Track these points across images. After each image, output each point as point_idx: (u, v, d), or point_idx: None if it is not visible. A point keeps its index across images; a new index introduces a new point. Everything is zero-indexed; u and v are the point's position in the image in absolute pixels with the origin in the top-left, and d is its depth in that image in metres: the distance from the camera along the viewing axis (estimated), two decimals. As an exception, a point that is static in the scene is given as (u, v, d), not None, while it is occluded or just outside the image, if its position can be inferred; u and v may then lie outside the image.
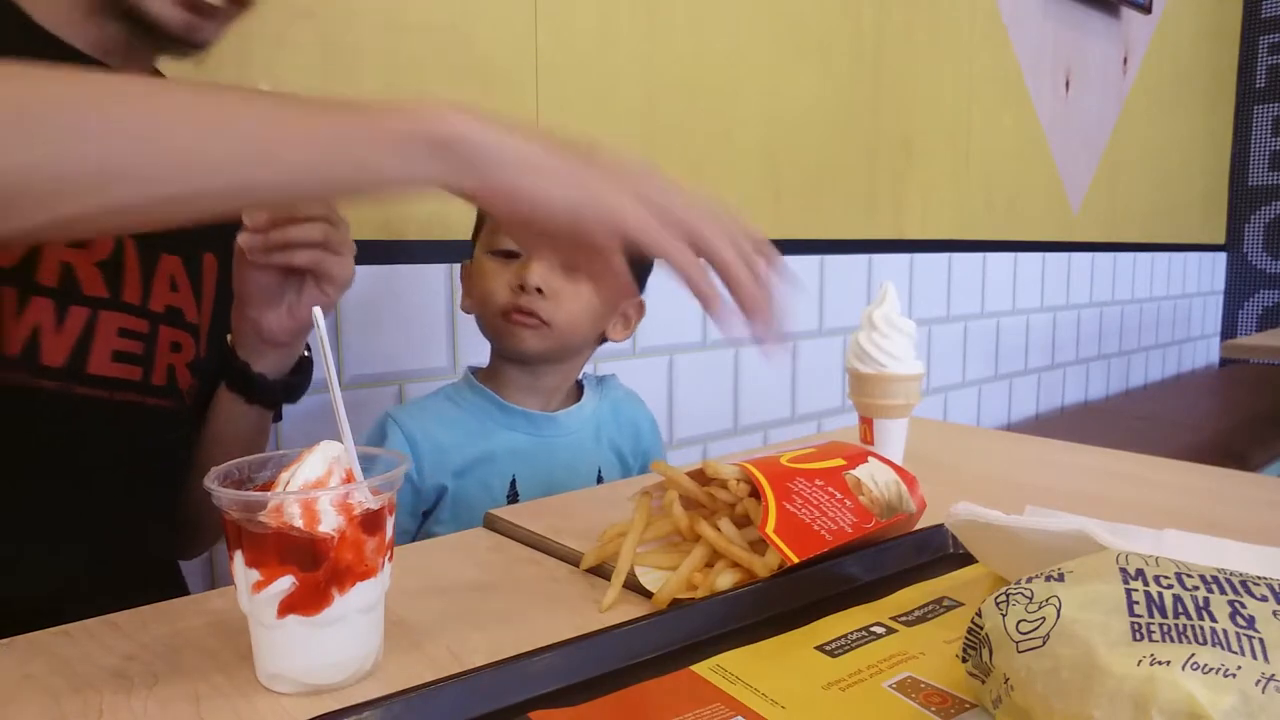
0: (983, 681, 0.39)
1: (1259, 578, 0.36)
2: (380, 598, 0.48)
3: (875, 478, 0.63)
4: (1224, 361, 3.59)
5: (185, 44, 0.74)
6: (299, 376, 0.83)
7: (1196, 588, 0.35)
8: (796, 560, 0.52)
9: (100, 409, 0.71)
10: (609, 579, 0.60)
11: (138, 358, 0.74)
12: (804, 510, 0.56)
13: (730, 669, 0.45)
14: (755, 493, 0.58)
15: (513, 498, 0.95)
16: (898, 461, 0.89)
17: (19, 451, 0.68)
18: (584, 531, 0.69)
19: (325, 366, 0.49)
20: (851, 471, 0.62)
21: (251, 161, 0.48)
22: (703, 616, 0.50)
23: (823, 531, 0.55)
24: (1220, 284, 3.66)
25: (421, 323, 1.25)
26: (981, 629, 0.39)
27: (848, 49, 1.89)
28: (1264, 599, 0.34)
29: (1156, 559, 0.38)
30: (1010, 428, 2.45)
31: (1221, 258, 3.63)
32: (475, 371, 1.02)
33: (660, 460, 0.61)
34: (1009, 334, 2.48)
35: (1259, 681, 0.30)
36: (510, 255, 0.94)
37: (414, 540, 0.92)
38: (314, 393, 0.93)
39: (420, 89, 1.23)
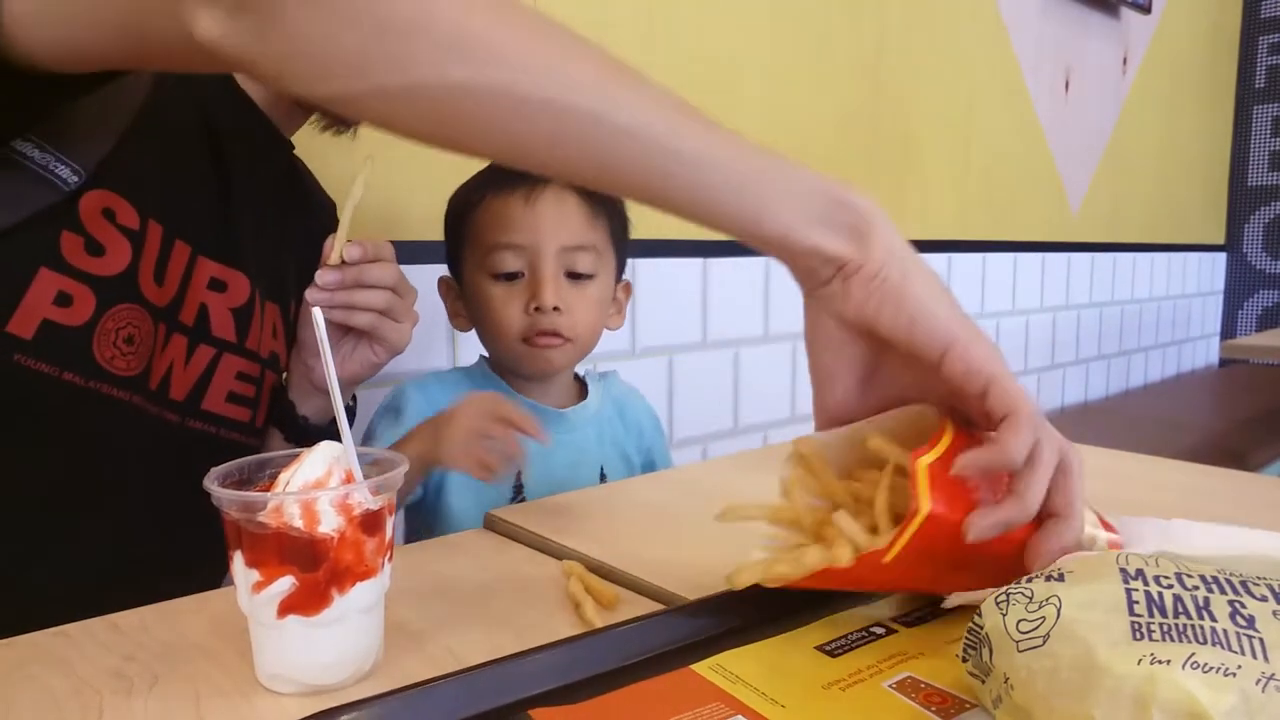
0: (983, 681, 0.39)
1: (1259, 578, 0.36)
2: (380, 598, 0.48)
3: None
4: (1224, 361, 3.59)
5: (340, 121, 0.84)
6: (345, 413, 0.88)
7: (1196, 588, 0.35)
8: (926, 508, 0.42)
9: (208, 445, 0.75)
10: (611, 579, 0.60)
11: (249, 400, 0.78)
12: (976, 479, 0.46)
13: (730, 668, 0.45)
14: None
15: (517, 489, 0.95)
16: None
17: (134, 473, 0.71)
18: (584, 532, 0.69)
19: (325, 367, 0.49)
20: None
21: (672, 154, 0.46)
22: (703, 615, 0.50)
23: (980, 497, 0.45)
24: (1220, 284, 3.66)
25: (421, 323, 1.25)
26: (981, 628, 0.39)
27: (848, 49, 1.89)
28: (1264, 599, 0.34)
29: (1156, 559, 0.38)
30: (1010, 428, 2.45)
31: (1221, 258, 3.63)
32: (486, 362, 1.02)
33: (804, 437, 0.52)
34: (1009, 334, 2.48)
35: (1259, 681, 0.30)
36: (512, 276, 0.92)
37: (421, 501, 0.92)
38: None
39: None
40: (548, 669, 0.44)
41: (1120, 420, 2.54)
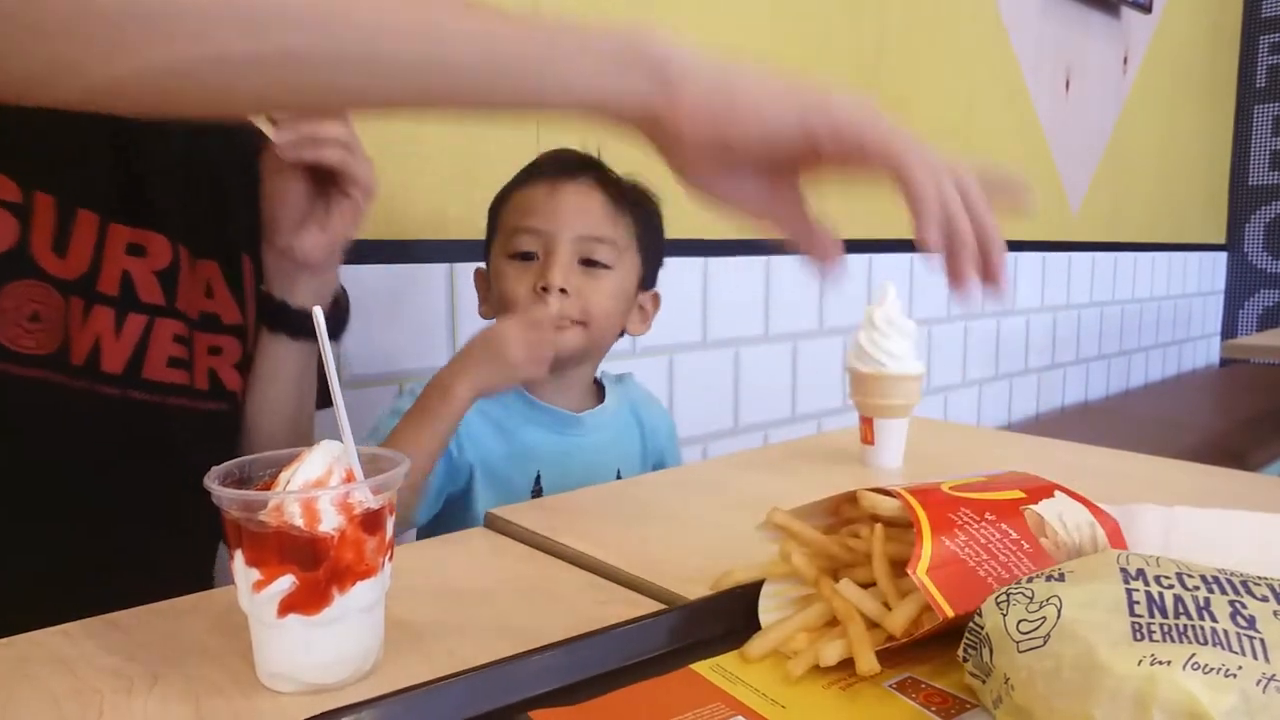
0: (983, 681, 0.39)
1: (1260, 578, 0.36)
2: (380, 597, 0.48)
3: (1063, 517, 0.51)
4: (1224, 361, 3.59)
5: None
6: (338, 310, 0.85)
7: (1197, 588, 0.35)
8: (951, 613, 0.42)
9: (154, 414, 0.73)
10: (611, 579, 0.60)
11: (184, 363, 0.76)
12: (969, 549, 0.45)
13: (730, 669, 0.45)
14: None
15: (536, 494, 0.95)
16: (896, 462, 0.90)
17: (77, 455, 0.69)
18: (584, 532, 0.69)
19: (326, 366, 0.49)
20: (1033, 507, 0.50)
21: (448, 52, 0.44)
22: (703, 615, 0.50)
23: (988, 577, 0.45)
24: (1220, 284, 3.66)
25: (421, 323, 1.25)
26: (982, 629, 0.39)
27: (848, 49, 1.89)
28: (1264, 599, 0.34)
29: (1158, 559, 0.38)
30: (1010, 428, 2.45)
31: (1221, 258, 3.63)
32: None
33: (775, 511, 0.53)
34: (1009, 334, 2.48)
35: (1259, 681, 0.31)
36: (527, 257, 0.94)
37: (432, 517, 0.92)
38: (314, 392, 0.93)
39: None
40: (548, 669, 0.44)
41: (1120, 420, 2.54)
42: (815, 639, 0.46)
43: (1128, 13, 2.80)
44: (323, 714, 0.39)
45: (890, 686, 0.43)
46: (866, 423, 0.90)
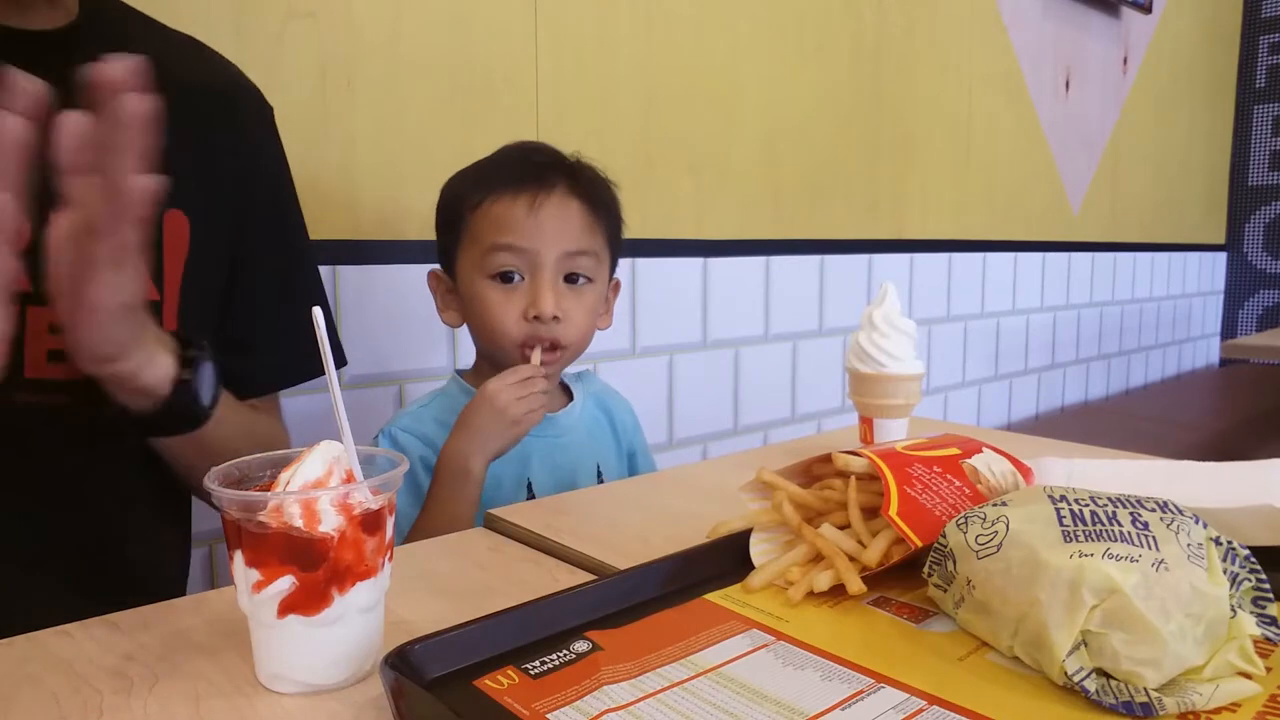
0: (945, 590, 0.49)
1: (1148, 498, 0.47)
2: (380, 598, 0.48)
3: (992, 467, 0.62)
4: (1224, 361, 3.59)
5: None
6: (176, 402, 0.66)
7: (1105, 505, 0.47)
8: (919, 544, 0.52)
9: (45, 417, 0.65)
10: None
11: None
12: (924, 495, 0.55)
13: (736, 597, 0.54)
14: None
15: (530, 494, 0.95)
16: (898, 462, 0.90)
17: None
18: (583, 531, 0.69)
19: (326, 368, 0.49)
20: (968, 460, 0.61)
21: None
22: (707, 558, 0.58)
23: (943, 516, 0.55)
24: (1220, 284, 3.66)
25: (421, 323, 1.25)
26: (946, 546, 0.49)
27: (848, 49, 1.89)
28: (1154, 510, 0.46)
29: (1073, 489, 0.49)
30: (1010, 428, 2.45)
31: (1221, 258, 3.63)
32: (464, 375, 1.01)
33: (763, 469, 0.61)
34: (1009, 334, 2.48)
35: (1154, 564, 0.42)
36: (508, 278, 0.92)
37: None
38: (314, 392, 0.93)
39: (420, 90, 1.23)
40: (596, 601, 0.52)
41: (1120, 420, 2.54)
42: (805, 571, 0.55)
43: (1128, 13, 2.80)
44: (409, 642, 0.44)
45: (868, 604, 0.53)
46: (866, 423, 0.90)
